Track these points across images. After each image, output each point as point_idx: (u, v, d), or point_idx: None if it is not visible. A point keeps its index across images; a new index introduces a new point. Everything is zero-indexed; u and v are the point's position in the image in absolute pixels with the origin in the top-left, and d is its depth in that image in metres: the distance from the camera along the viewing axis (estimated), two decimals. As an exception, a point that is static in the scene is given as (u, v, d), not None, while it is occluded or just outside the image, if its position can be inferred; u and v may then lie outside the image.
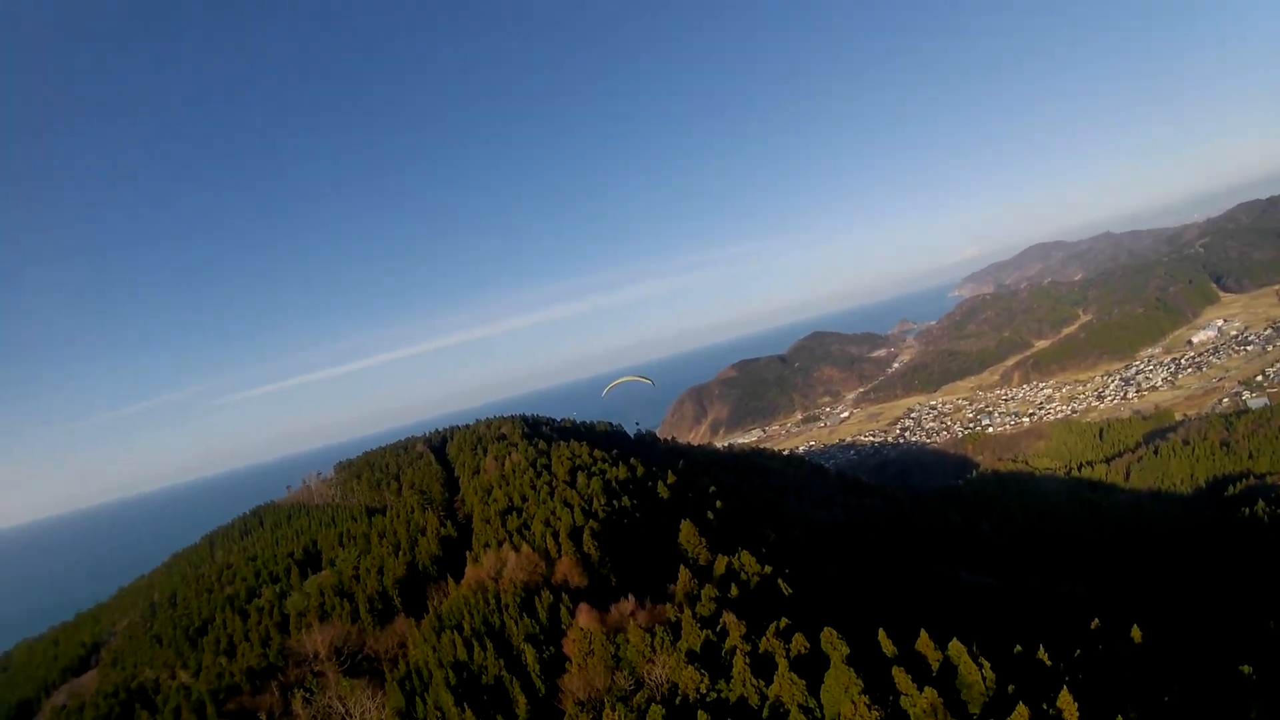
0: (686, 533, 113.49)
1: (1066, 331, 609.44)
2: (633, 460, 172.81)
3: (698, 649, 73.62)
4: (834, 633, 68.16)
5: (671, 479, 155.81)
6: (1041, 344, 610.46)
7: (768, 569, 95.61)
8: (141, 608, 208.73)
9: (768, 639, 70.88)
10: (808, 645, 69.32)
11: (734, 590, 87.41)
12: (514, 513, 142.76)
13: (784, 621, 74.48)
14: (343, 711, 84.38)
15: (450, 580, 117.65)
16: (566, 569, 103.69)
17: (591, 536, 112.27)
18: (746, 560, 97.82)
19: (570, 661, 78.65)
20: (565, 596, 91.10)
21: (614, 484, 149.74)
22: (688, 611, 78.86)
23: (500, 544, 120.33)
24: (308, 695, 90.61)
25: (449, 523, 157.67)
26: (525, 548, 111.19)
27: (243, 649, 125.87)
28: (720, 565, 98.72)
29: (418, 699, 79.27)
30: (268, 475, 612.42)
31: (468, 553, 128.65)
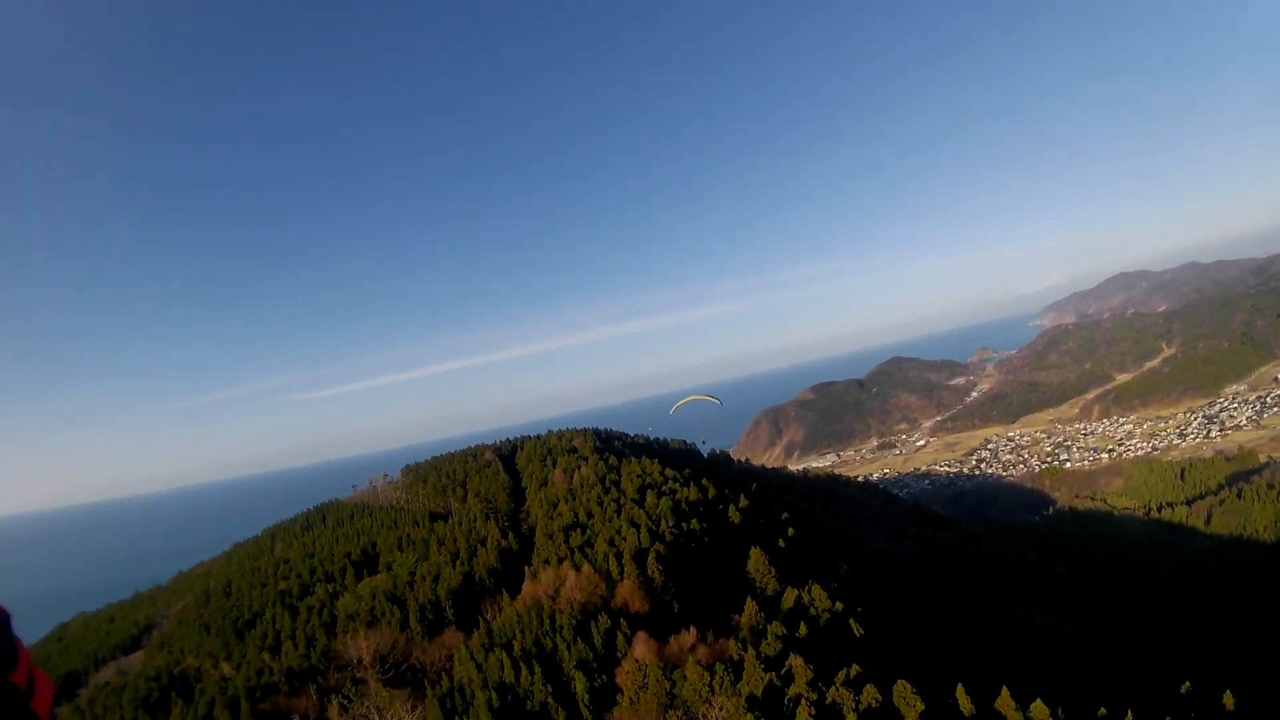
0: (756, 561, 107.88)
1: (1149, 365, 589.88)
2: (704, 481, 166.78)
3: (759, 694, 67.59)
4: (908, 686, 62.30)
5: (744, 503, 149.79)
6: (1123, 377, 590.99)
7: (839, 605, 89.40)
8: (196, 593, 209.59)
9: (836, 689, 64.81)
10: (879, 698, 63.34)
11: (802, 629, 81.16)
12: (578, 529, 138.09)
13: (854, 669, 68.47)
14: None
15: (506, 595, 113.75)
16: (627, 593, 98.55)
17: (656, 560, 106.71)
18: (817, 595, 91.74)
19: (622, 694, 73.31)
20: (623, 622, 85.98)
21: (684, 505, 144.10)
22: (751, 651, 72.69)
23: (561, 561, 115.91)
24: (345, 702, 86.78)
25: (511, 534, 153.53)
26: (586, 567, 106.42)
27: (286, 648, 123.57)
28: (789, 598, 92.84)
29: (457, 719, 74.47)
30: (337, 473, 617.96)
31: (527, 568, 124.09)
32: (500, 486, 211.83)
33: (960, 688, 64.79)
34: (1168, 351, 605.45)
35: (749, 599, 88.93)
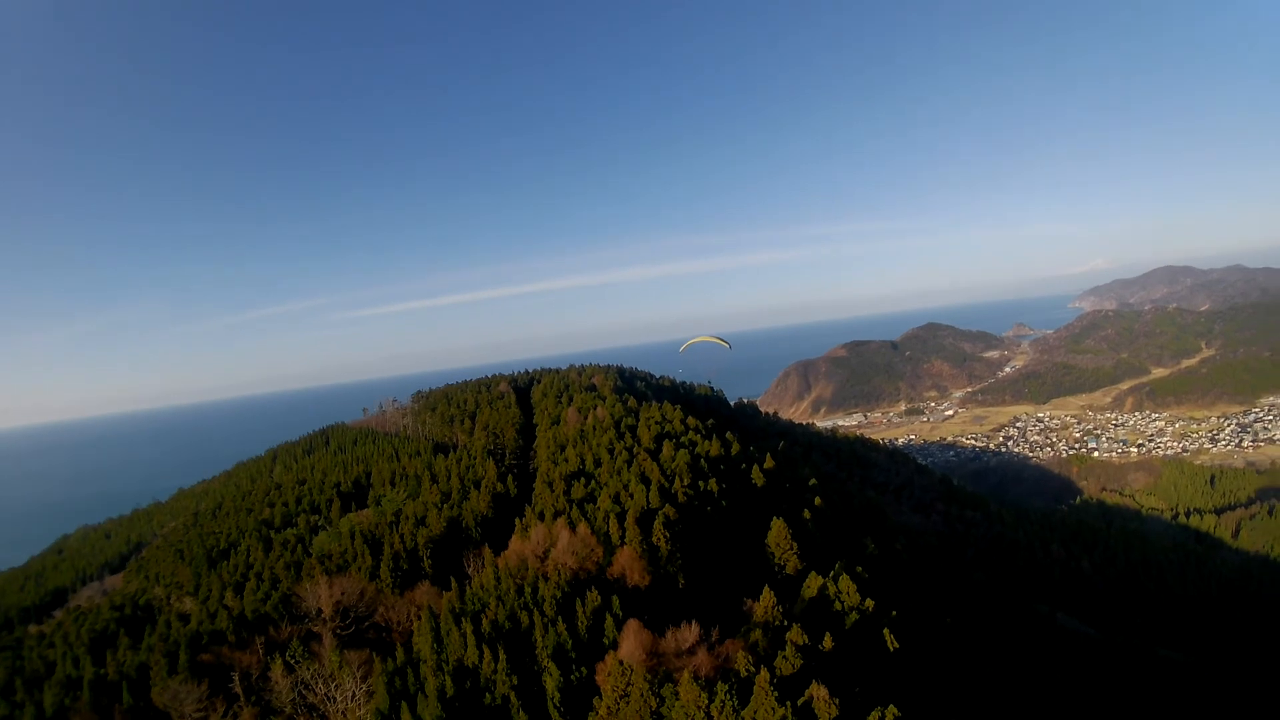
0: (777, 533, 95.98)
1: (1186, 363, 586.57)
2: (728, 435, 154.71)
3: (767, 736, 54.30)
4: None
5: (769, 463, 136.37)
6: (1159, 372, 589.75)
7: (869, 604, 75.82)
8: (188, 514, 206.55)
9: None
10: (919, 759, 49.86)
11: (827, 640, 66.47)
12: (583, 478, 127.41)
13: (891, 713, 54.85)
14: (323, 693, 70.61)
15: (489, 551, 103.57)
16: (626, 562, 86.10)
17: (664, 525, 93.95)
18: (845, 586, 78.22)
19: (599, 699, 60.43)
20: (616, 600, 73.52)
21: (703, 461, 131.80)
22: (764, 672, 57.26)
23: (557, 516, 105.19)
24: (292, 662, 76.36)
25: (510, 477, 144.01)
26: (583, 527, 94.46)
27: (249, 587, 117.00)
28: (812, 586, 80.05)
29: (404, 706, 62.35)
30: (358, 394, 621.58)
31: (519, 520, 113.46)
32: (510, 421, 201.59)
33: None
34: (1207, 352, 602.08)
35: (766, 588, 75.43)
